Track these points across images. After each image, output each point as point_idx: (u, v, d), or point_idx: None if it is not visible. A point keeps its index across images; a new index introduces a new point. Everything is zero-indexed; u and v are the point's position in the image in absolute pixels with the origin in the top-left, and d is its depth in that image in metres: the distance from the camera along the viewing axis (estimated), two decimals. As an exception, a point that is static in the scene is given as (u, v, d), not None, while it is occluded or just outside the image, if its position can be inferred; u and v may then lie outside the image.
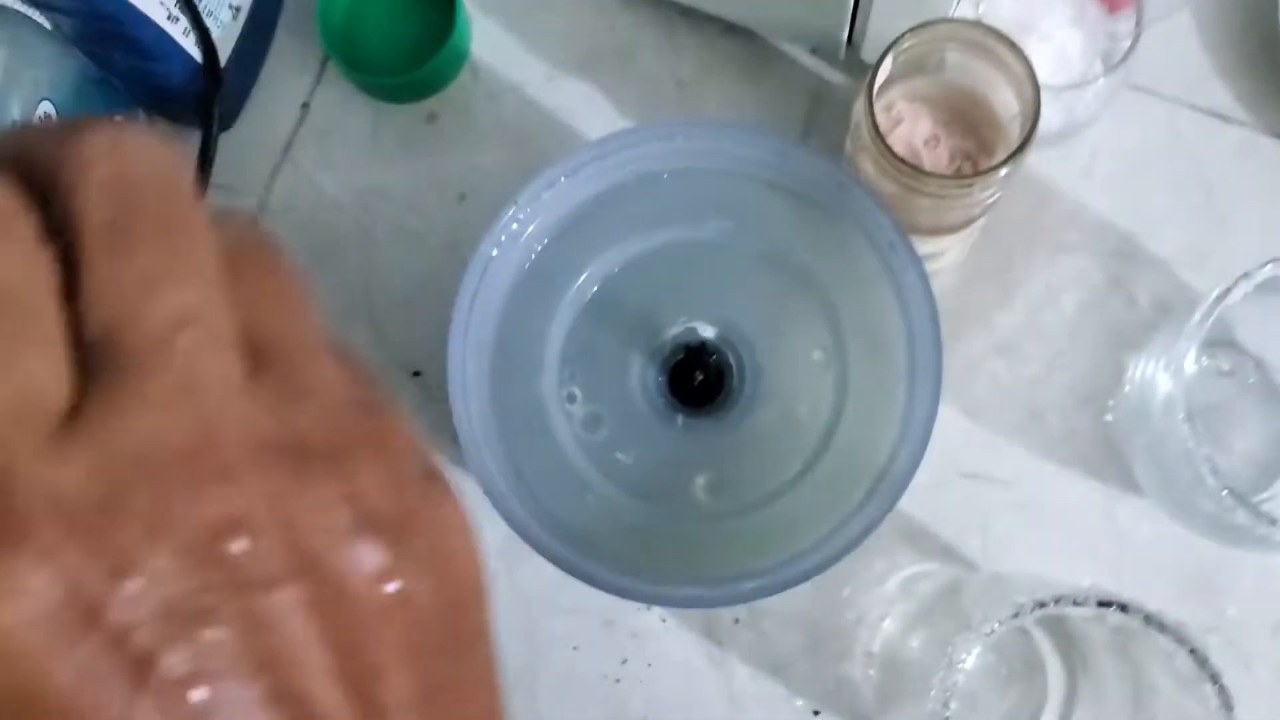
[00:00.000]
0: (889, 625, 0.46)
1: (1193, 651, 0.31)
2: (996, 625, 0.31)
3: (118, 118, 0.15)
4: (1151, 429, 0.43)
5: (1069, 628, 0.45)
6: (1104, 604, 0.31)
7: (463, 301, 0.37)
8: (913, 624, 0.44)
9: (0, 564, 0.14)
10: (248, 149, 0.52)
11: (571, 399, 0.39)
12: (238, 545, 0.15)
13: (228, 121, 0.52)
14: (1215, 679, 0.30)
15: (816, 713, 0.47)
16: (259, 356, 0.16)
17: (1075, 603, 0.31)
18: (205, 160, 0.51)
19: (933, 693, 0.32)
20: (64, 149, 0.16)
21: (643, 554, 0.37)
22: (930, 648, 0.41)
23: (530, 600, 0.48)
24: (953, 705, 0.31)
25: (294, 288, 0.18)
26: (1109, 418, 0.49)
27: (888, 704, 0.43)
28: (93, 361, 0.15)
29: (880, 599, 0.48)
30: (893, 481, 0.37)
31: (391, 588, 0.16)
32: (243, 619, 0.15)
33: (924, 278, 0.37)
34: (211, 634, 0.15)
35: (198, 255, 0.16)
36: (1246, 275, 0.40)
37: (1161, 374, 0.43)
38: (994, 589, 0.36)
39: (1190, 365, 0.40)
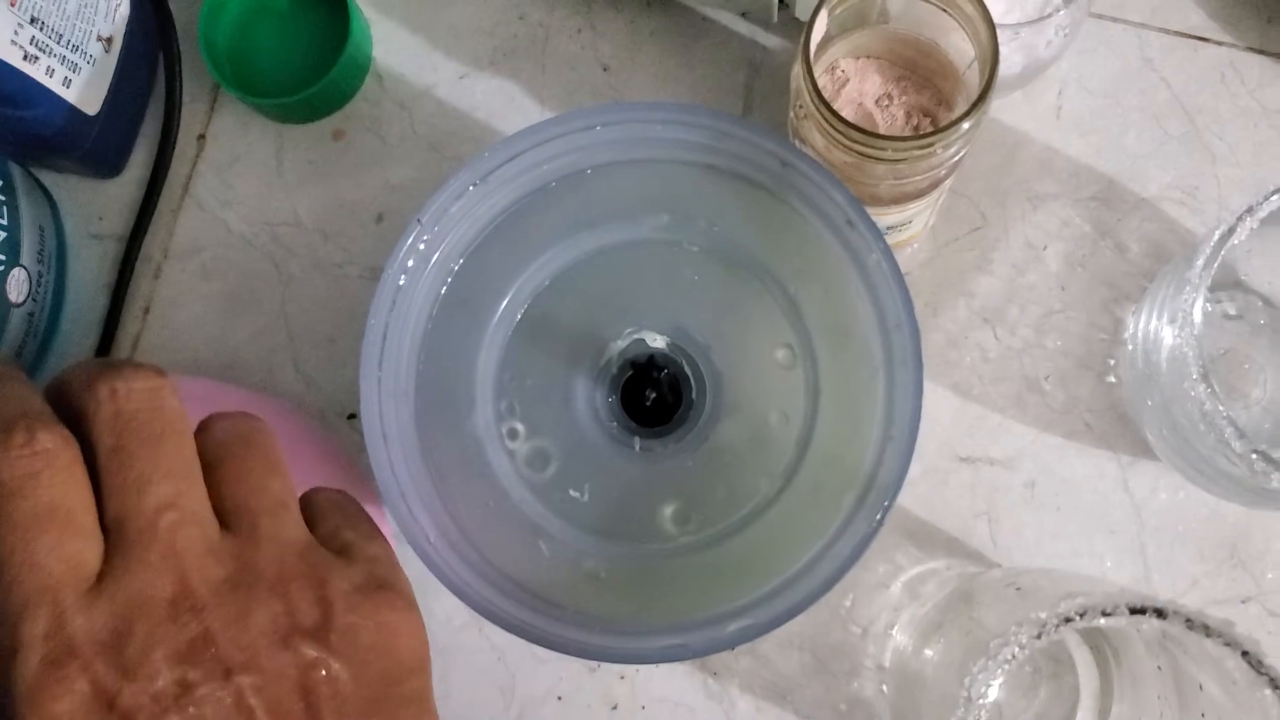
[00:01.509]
0: (898, 635, 0.42)
1: (1245, 654, 0.26)
2: (1017, 650, 0.27)
3: (120, 362, 0.26)
4: (1160, 389, 0.39)
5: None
6: (1137, 610, 0.26)
7: (372, 339, 0.32)
8: (924, 633, 0.39)
9: (57, 672, 0.22)
10: (143, 193, 0.47)
11: (512, 435, 0.34)
12: (206, 651, 0.24)
13: (117, 166, 0.48)
14: (1276, 683, 0.26)
15: (830, 737, 0.43)
16: (233, 516, 0.26)
17: (1104, 613, 0.26)
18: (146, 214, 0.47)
19: (953, 731, 0.28)
20: (83, 395, 0.25)
21: (609, 602, 0.33)
22: (945, 661, 0.36)
23: (503, 653, 0.44)
24: (977, 748, 0.27)
25: (263, 464, 0.27)
26: (1111, 379, 0.44)
27: (906, 722, 0.39)
28: (112, 540, 0.24)
29: (885, 606, 0.43)
30: (881, 487, 0.32)
31: (321, 672, 0.25)
32: (211, 697, 0.23)
33: (889, 255, 0.32)
34: (191, 709, 0.23)
35: (177, 457, 0.25)
36: (1250, 210, 0.35)
37: (1166, 327, 0.39)
38: (1010, 596, 0.32)
39: (1197, 315, 0.36)
